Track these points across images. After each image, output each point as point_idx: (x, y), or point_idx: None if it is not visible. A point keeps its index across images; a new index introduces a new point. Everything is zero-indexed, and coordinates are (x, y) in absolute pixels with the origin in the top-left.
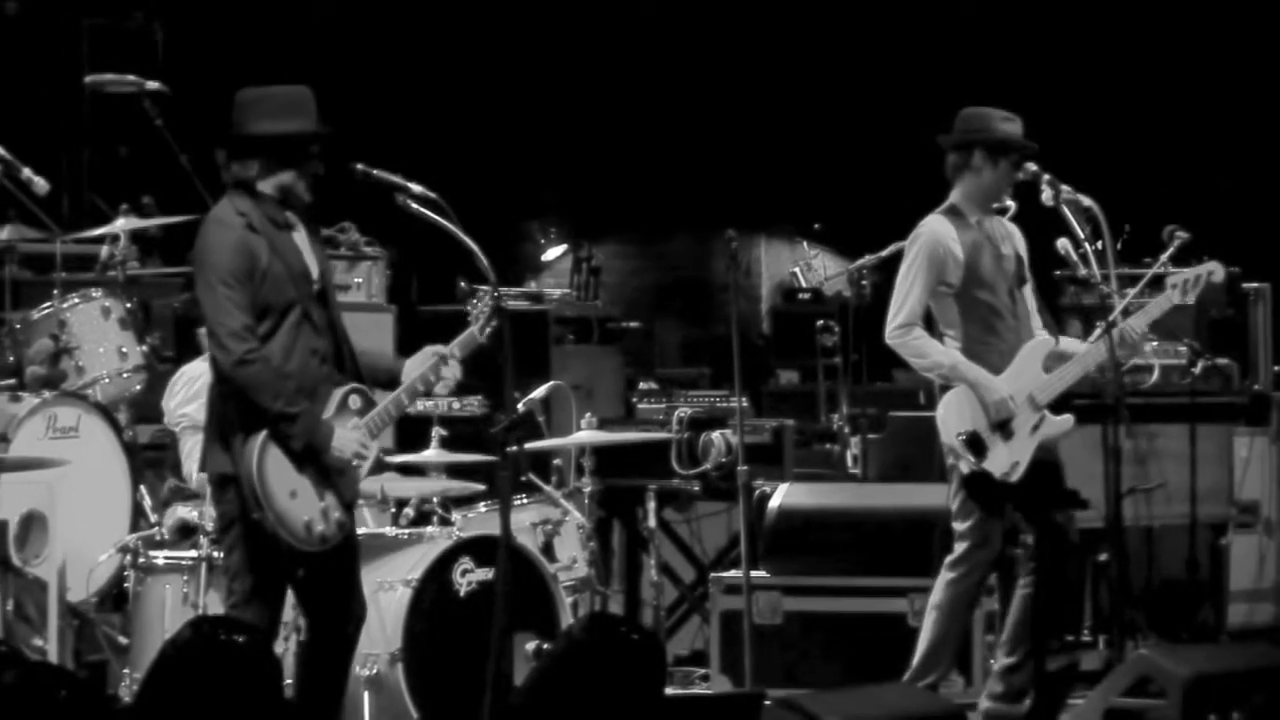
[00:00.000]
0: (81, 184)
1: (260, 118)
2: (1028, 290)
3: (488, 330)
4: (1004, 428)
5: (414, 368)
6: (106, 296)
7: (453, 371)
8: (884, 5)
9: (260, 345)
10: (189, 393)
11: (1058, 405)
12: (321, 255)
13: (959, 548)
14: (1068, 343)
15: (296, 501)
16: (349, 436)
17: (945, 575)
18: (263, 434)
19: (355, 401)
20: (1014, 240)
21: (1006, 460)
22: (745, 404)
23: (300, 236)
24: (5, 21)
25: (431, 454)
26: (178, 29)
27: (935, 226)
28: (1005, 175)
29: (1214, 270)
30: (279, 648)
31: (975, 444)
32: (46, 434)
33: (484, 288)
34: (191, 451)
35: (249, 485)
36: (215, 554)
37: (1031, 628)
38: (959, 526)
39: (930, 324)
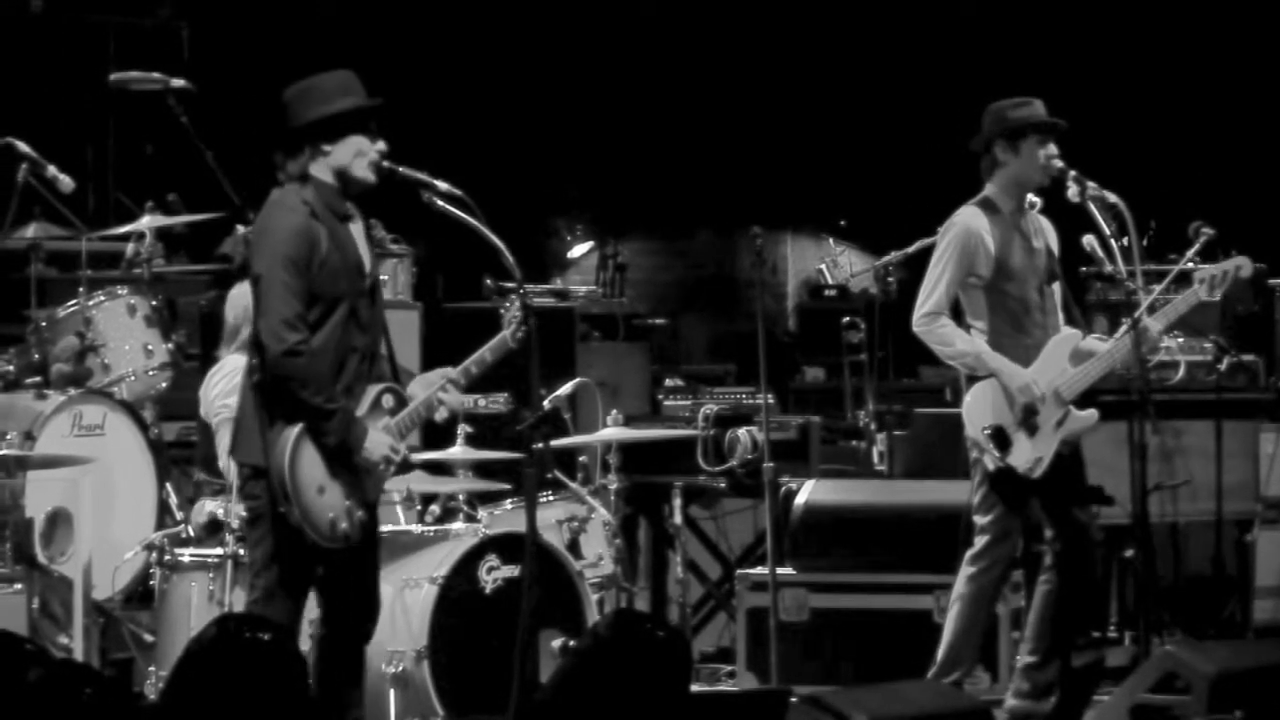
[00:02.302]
0: (107, 182)
1: (311, 106)
2: (1056, 286)
3: (519, 335)
4: (1029, 422)
5: (422, 389)
6: (132, 294)
7: (454, 398)
8: (908, 2)
9: (309, 336)
10: (229, 384)
11: (1083, 400)
12: (372, 251)
13: (979, 542)
14: (1091, 342)
15: (324, 498)
16: (381, 438)
17: (966, 570)
18: (298, 427)
19: (388, 401)
20: (1046, 235)
21: (1030, 455)
22: (771, 400)
23: (358, 229)
24: (30, 20)
25: (457, 451)
26: (203, 26)
27: (969, 218)
28: (1031, 158)
29: (1242, 265)
30: (304, 645)
31: (1000, 438)
32: (72, 432)
33: (514, 294)
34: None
35: (279, 477)
36: (241, 551)
37: (1056, 625)
38: (980, 520)
39: (958, 315)
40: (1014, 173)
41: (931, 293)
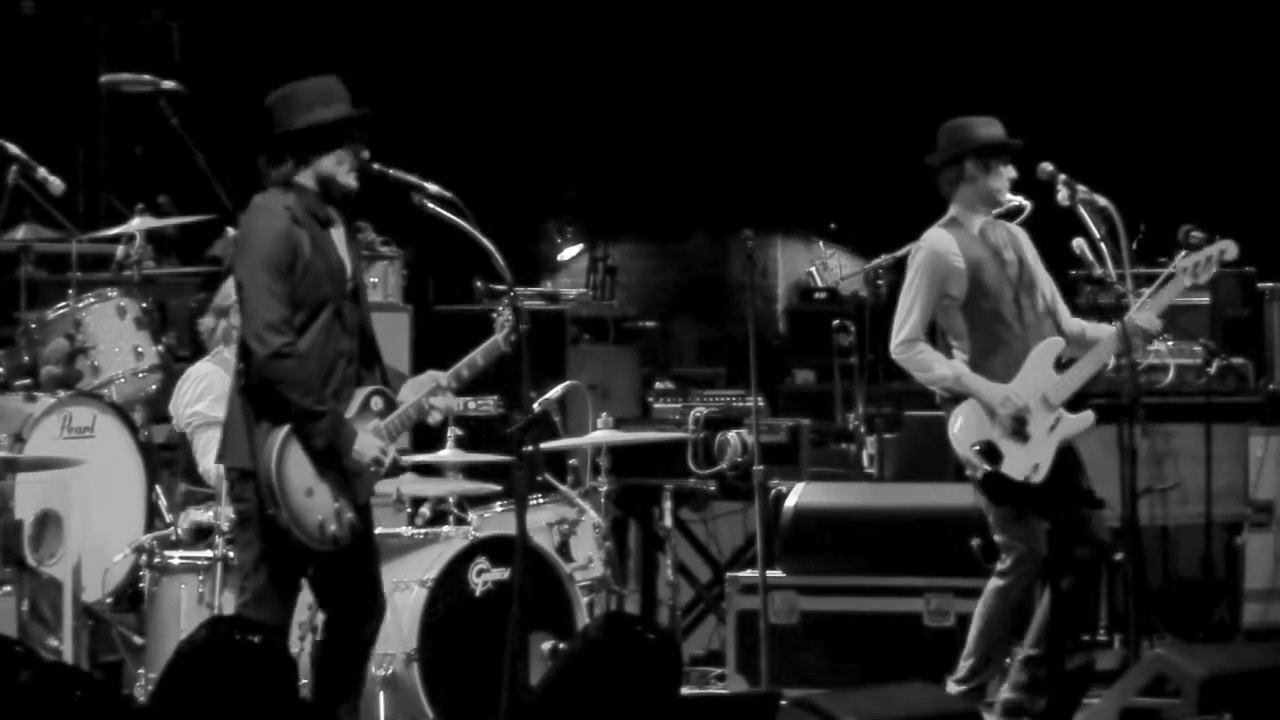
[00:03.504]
0: (97, 183)
1: (296, 113)
2: (1046, 286)
3: (512, 339)
4: (1019, 432)
5: (412, 392)
6: (122, 296)
7: (446, 401)
8: (899, 5)
9: (295, 339)
10: (196, 391)
11: (1075, 403)
12: (356, 255)
13: (1007, 558)
14: (1094, 329)
15: (312, 500)
16: (370, 441)
17: (994, 583)
18: (285, 429)
19: (377, 403)
20: (1017, 244)
21: (1026, 463)
22: (761, 403)
23: (339, 234)
24: (21, 21)
25: (447, 454)
26: (194, 28)
27: (935, 241)
28: (1000, 177)
29: (1226, 248)
30: (294, 648)
31: (990, 453)
32: (62, 434)
33: (506, 298)
34: (207, 446)
35: (266, 480)
36: (231, 554)
37: (1049, 626)
38: (1001, 539)
39: (934, 335)
40: (984, 190)
41: (906, 319)
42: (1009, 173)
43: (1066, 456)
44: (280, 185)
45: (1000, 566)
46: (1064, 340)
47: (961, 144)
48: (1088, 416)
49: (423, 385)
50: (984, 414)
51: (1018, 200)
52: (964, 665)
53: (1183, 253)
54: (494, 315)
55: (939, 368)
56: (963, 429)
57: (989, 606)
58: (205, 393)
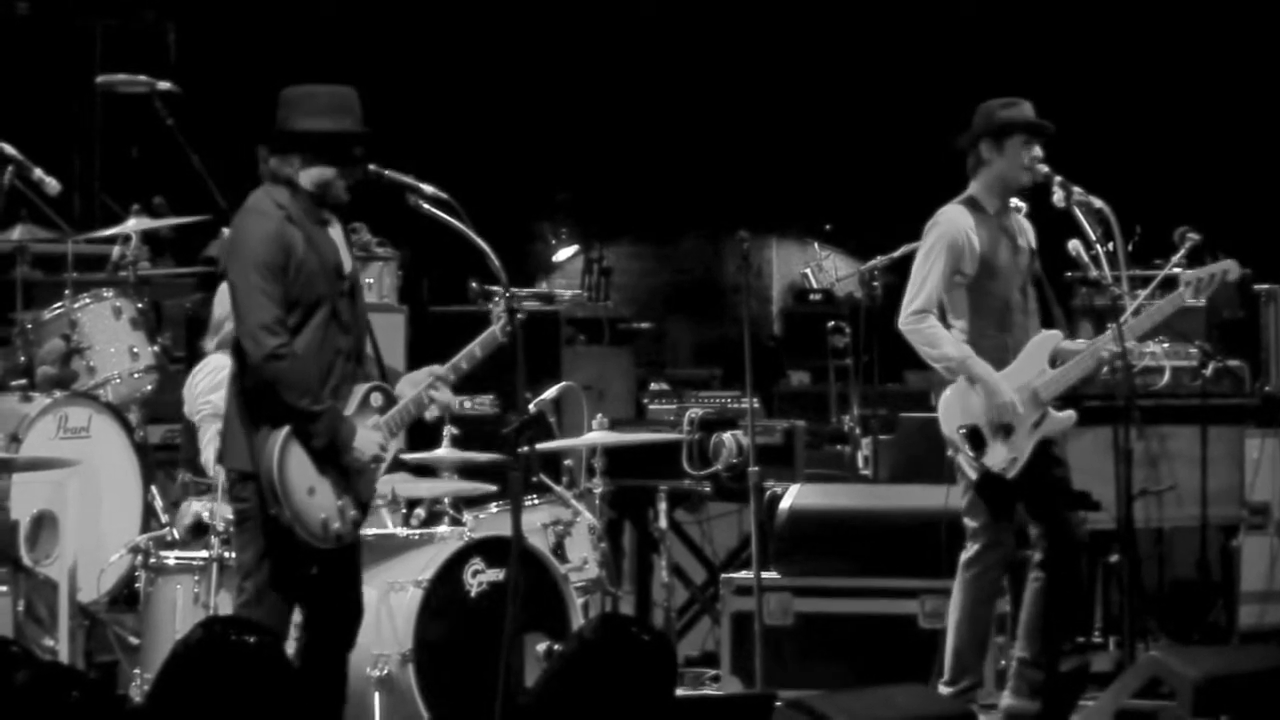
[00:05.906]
0: (93, 184)
1: (307, 115)
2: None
3: (509, 330)
4: (1005, 425)
5: (410, 386)
6: (118, 297)
7: (445, 396)
8: (895, 5)
9: (290, 340)
10: (213, 381)
11: (1065, 403)
12: (351, 253)
13: (972, 547)
14: (1072, 343)
15: (314, 499)
16: (370, 437)
17: (962, 575)
18: (285, 430)
19: (377, 399)
20: (1028, 236)
21: (1005, 456)
22: (756, 405)
23: (336, 232)
24: (17, 22)
25: (443, 454)
26: (190, 29)
27: (955, 215)
28: (1015, 157)
29: (1229, 269)
30: (289, 648)
31: (975, 438)
32: (57, 434)
33: (497, 289)
34: (212, 440)
35: (268, 480)
36: (226, 554)
37: (1042, 629)
38: (970, 525)
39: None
40: (998, 172)
41: (920, 290)
42: (1031, 154)
43: (1046, 453)
44: (273, 180)
45: (965, 555)
46: (1062, 334)
47: (978, 127)
48: (1070, 415)
49: (420, 381)
50: (976, 397)
51: (1014, 201)
52: (947, 665)
53: (1178, 257)
54: (490, 308)
55: (946, 346)
56: (951, 407)
57: (959, 600)
58: (221, 384)
